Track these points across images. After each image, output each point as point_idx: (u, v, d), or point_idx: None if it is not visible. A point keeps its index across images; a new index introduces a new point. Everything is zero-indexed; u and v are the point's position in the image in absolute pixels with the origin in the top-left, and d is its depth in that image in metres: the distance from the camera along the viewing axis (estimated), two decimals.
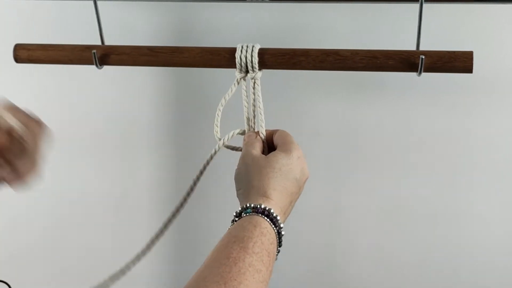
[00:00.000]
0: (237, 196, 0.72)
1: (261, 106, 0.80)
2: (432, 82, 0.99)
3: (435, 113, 1.02)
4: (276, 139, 0.76)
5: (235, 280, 0.58)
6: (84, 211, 1.21)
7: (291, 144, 0.74)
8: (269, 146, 0.78)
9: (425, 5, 0.80)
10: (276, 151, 0.73)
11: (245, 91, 0.80)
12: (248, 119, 0.81)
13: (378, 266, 1.13)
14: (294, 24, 1.01)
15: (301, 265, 1.15)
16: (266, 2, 1.00)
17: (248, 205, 0.67)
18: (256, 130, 0.81)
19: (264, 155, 0.73)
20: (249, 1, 1.00)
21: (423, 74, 0.79)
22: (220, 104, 0.80)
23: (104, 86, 1.12)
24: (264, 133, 0.78)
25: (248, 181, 0.70)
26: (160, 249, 1.19)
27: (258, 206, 0.66)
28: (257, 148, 0.75)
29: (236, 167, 0.74)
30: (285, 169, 0.71)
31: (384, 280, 1.13)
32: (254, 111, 0.81)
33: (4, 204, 1.22)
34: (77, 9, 1.07)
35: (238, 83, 0.81)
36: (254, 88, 0.80)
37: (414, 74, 0.80)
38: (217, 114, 0.80)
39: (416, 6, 0.80)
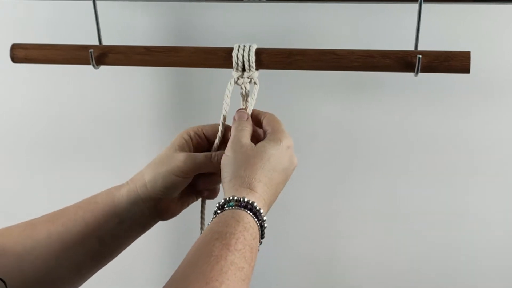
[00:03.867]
0: (222, 185, 0.70)
1: (253, 103, 0.79)
2: (430, 82, 0.99)
3: (433, 113, 1.02)
4: (266, 125, 0.74)
5: (217, 280, 0.56)
6: None
7: (281, 132, 0.72)
8: (256, 126, 0.76)
9: (424, 5, 0.80)
10: (266, 140, 0.71)
11: (242, 90, 0.80)
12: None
13: (376, 268, 1.12)
14: (292, 25, 1.01)
15: (298, 267, 1.15)
16: (263, 2, 1.00)
17: (231, 197, 0.65)
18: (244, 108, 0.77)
19: (253, 144, 0.71)
20: (246, 1, 1.00)
21: (421, 74, 0.79)
22: (223, 109, 0.77)
23: (101, 86, 1.12)
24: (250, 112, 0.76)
25: (234, 170, 0.68)
26: (159, 249, 1.19)
27: (242, 199, 0.65)
28: (247, 135, 0.72)
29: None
30: (273, 160, 0.69)
31: (383, 282, 1.13)
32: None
33: (4, 204, 1.23)
34: (75, 9, 1.07)
35: (235, 83, 0.80)
36: (245, 88, 0.80)
37: (411, 74, 0.79)
38: (221, 122, 0.77)
39: (415, 6, 0.80)
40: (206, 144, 0.77)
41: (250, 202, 0.65)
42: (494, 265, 1.08)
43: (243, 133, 0.72)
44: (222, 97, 0.78)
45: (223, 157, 0.71)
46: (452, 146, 1.03)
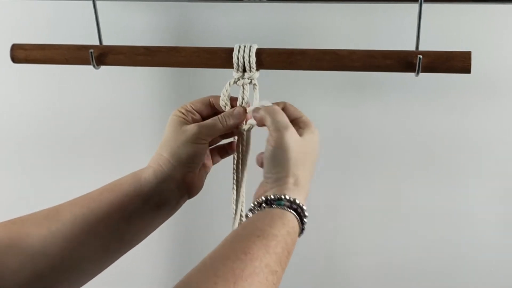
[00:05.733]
0: (265, 178, 0.68)
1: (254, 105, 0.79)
2: (431, 82, 0.99)
3: (434, 113, 1.02)
4: (292, 113, 0.73)
5: (246, 280, 0.54)
6: None
7: (308, 122, 0.72)
8: None
9: (424, 5, 0.80)
10: (307, 132, 0.70)
11: (242, 91, 0.80)
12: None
13: (377, 267, 1.12)
14: (292, 25, 1.01)
15: (300, 266, 1.15)
16: (263, 2, 1.00)
17: (283, 196, 0.63)
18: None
19: (301, 138, 0.69)
20: (246, 1, 1.00)
21: (422, 74, 0.79)
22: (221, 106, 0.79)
23: (101, 87, 1.12)
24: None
25: (290, 166, 0.66)
26: (160, 249, 1.19)
27: (293, 201, 0.63)
28: (293, 129, 0.69)
29: (268, 145, 0.69)
30: (316, 152, 0.69)
31: (384, 281, 1.13)
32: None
33: (4, 203, 1.23)
34: (75, 9, 1.07)
35: (235, 83, 0.80)
36: (244, 88, 0.80)
37: (412, 74, 0.79)
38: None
39: (416, 6, 0.80)
40: (199, 119, 0.78)
41: (301, 205, 0.63)
42: (495, 265, 1.08)
43: (291, 127, 0.69)
44: (223, 99, 0.79)
45: (270, 150, 0.68)
46: (453, 145, 1.03)
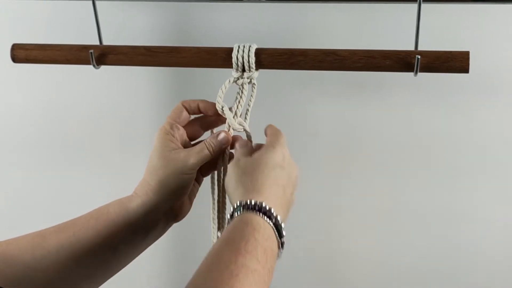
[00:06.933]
0: (230, 202, 0.70)
1: (251, 105, 0.80)
2: (432, 82, 0.99)
3: (434, 113, 1.02)
4: (267, 138, 0.75)
5: (227, 284, 0.55)
6: (83, 211, 1.21)
7: (276, 142, 0.72)
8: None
9: (424, 5, 0.80)
10: (260, 149, 0.72)
11: (240, 90, 0.80)
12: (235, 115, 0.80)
13: (376, 267, 1.13)
14: (292, 25, 1.01)
15: (299, 266, 1.15)
16: (263, 2, 1.00)
17: (238, 203, 0.64)
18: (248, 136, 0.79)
19: (249, 157, 0.71)
20: (246, 1, 1.00)
21: (422, 74, 0.79)
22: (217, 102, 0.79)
23: (101, 87, 1.12)
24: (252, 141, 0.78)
25: (235, 181, 0.68)
26: (160, 249, 1.19)
27: (248, 202, 0.64)
28: (245, 152, 0.73)
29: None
30: (270, 163, 0.69)
31: (383, 281, 1.13)
32: (247, 112, 0.81)
33: (4, 203, 1.23)
34: (75, 9, 1.07)
35: (235, 83, 0.80)
36: (242, 88, 0.80)
37: (412, 74, 0.80)
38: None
39: (415, 6, 0.80)
40: (183, 132, 0.78)
41: (258, 203, 0.64)
42: (496, 265, 1.08)
43: (241, 151, 0.73)
44: (220, 95, 0.79)
45: (225, 179, 0.72)
46: (453, 145, 1.03)
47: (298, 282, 1.16)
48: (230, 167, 0.71)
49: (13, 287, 0.66)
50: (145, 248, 0.77)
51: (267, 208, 0.64)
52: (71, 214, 1.21)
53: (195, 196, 0.81)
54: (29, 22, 1.10)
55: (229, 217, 0.65)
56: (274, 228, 0.63)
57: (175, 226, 1.15)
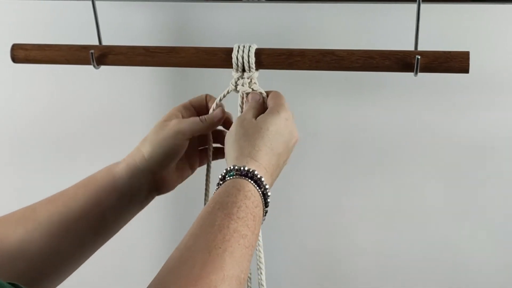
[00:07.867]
0: (225, 159, 0.72)
1: None
2: (431, 82, 0.99)
3: (434, 113, 1.02)
4: (268, 101, 0.77)
5: (220, 247, 0.57)
6: None
7: (280, 106, 0.74)
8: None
9: (423, 5, 0.80)
10: (265, 113, 0.73)
11: (241, 91, 0.80)
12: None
13: (378, 267, 1.13)
14: (291, 24, 1.01)
15: (301, 265, 1.15)
16: (262, 2, 1.00)
17: (231, 167, 0.67)
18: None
19: (254, 119, 0.73)
20: (245, 1, 1.00)
21: (421, 74, 0.79)
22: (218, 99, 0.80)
23: (101, 87, 1.12)
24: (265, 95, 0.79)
25: (234, 141, 0.70)
26: (160, 248, 1.19)
27: (242, 168, 0.66)
28: (252, 113, 0.74)
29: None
30: (272, 130, 0.70)
31: (385, 281, 1.13)
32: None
33: (4, 203, 1.23)
34: (75, 9, 1.07)
35: (235, 85, 0.80)
36: (250, 87, 0.80)
37: (412, 74, 0.80)
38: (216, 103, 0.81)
39: (414, 6, 0.80)
40: (196, 116, 0.80)
41: (251, 170, 0.66)
42: (496, 264, 1.08)
43: (248, 111, 0.75)
44: (220, 97, 0.80)
45: (227, 133, 0.74)
46: (453, 145, 1.03)
47: (299, 282, 1.16)
48: (235, 123, 0.73)
49: (9, 262, 0.67)
50: (131, 217, 0.79)
51: (258, 176, 0.66)
52: None
53: (183, 179, 0.83)
54: (29, 22, 1.10)
55: (220, 176, 0.67)
56: (262, 197, 0.66)
57: (175, 224, 1.15)
